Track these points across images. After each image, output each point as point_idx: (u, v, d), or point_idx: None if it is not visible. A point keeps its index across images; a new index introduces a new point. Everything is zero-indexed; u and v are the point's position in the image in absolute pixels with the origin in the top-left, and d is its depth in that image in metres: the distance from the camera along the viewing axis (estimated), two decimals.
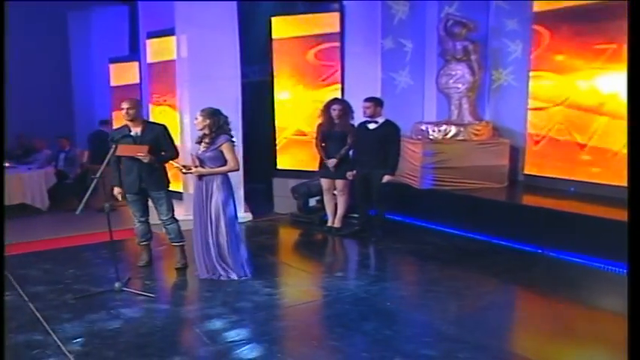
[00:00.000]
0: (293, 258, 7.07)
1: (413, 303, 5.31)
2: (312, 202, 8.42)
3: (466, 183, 7.70)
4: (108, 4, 11.31)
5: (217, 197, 5.74)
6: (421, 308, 5.10)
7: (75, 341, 4.37)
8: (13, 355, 4.16)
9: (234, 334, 4.47)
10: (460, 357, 4.01)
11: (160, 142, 5.97)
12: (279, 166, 9.12)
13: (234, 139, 5.82)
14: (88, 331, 4.57)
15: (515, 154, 8.14)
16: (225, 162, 5.72)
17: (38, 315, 4.93)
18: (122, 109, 5.92)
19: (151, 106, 9.45)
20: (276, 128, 9.13)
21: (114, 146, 5.64)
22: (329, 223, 7.70)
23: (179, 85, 8.28)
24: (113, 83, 11.14)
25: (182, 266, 6.20)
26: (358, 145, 7.13)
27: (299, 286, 5.78)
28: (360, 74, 8.57)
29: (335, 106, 7.33)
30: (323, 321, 5.01)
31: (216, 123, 5.70)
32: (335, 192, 7.54)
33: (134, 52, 10.79)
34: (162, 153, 6.00)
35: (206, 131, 5.73)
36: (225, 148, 5.69)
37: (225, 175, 5.79)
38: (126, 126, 5.97)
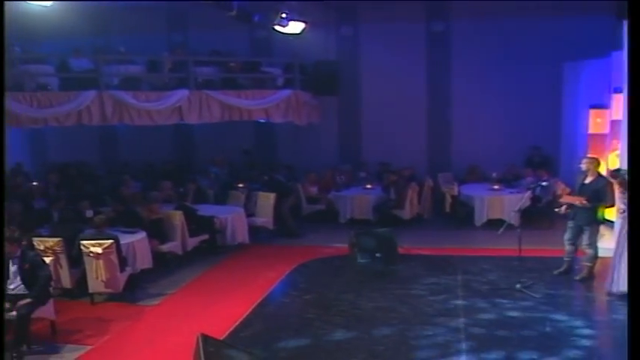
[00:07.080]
0: None
1: None
2: None
3: None
4: (597, 57, 13.00)
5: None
6: None
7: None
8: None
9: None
10: None
11: (600, 191, 8.21)
12: None
13: None
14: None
15: None
16: None
17: (459, 293, 7.97)
18: (582, 164, 8.51)
19: (609, 155, 11.19)
20: None
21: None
22: None
23: (622, 138, 9.71)
24: (590, 131, 12.83)
25: (580, 279, 8.39)
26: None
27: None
28: None
29: None
30: None
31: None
32: None
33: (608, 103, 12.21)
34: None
35: None
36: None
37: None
38: (583, 174, 8.45)
